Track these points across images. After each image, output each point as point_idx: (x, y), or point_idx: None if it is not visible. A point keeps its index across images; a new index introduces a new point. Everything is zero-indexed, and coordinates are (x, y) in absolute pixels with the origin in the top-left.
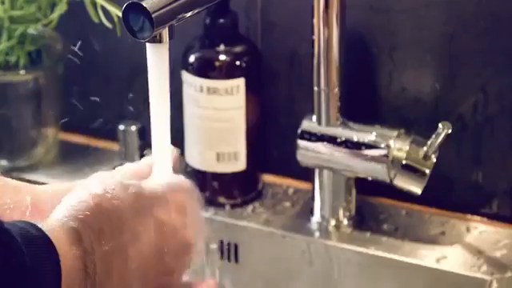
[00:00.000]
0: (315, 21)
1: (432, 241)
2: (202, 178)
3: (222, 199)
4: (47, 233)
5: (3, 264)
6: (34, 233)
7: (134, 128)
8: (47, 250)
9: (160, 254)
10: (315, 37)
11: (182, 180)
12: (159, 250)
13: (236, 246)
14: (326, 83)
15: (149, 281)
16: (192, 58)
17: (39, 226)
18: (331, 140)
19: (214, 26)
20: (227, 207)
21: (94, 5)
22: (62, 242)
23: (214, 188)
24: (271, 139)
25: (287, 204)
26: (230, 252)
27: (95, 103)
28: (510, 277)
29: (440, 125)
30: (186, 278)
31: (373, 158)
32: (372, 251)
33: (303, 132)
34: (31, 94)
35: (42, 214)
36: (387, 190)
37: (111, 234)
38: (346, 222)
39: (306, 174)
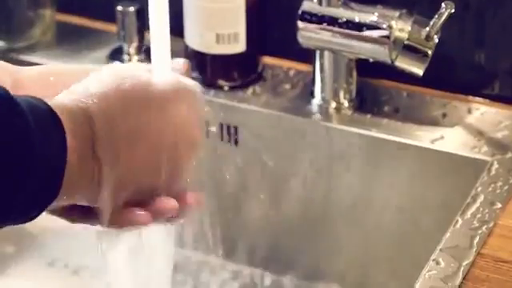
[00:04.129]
0: None
1: (433, 122)
2: (201, 60)
3: (221, 81)
4: (56, 109)
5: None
6: (43, 107)
7: (132, 9)
8: (55, 126)
9: (169, 147)
10: None
11: (188, 80)
12: (169, 142)
13: (236, 129)
14: None
15: (156, 171)
16: None
17: (49, 102)
18: (332, 21)
19: None
20: (227, 89)
21: None
22: (72, 119)
23: (214, 70)
24: (271, 20)
25: (287, 86)
26: (230, 134)
27: None
28: (510, 157)
29: (443, 4)
30: None
31: (374, 39)
32: (373, 133)
33: (304, 13)
34: None
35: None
36: (388, 71)
37: (122, 119)
38: (346, 103)
39: (307, 55)
